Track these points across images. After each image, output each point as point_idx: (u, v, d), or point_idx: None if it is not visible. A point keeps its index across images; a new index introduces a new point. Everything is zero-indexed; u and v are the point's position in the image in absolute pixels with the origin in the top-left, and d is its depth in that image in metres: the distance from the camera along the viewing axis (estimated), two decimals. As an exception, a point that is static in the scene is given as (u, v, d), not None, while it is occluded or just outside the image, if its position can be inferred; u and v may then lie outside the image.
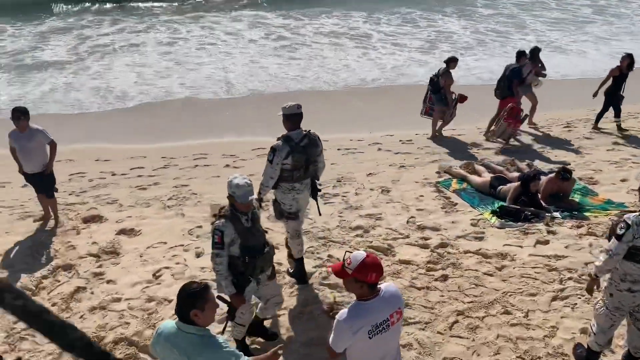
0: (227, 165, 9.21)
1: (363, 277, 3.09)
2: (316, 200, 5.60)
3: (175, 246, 6.44)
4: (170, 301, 5.37)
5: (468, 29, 19.41)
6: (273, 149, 5.10)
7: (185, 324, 2.91)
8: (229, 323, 4.50)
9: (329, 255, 6.12)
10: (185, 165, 9.25)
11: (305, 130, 5.24)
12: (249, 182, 4.17)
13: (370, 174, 8.52)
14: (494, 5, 23.11)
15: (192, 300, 2.86)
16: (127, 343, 4.83)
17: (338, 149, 9.85)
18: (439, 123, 10.41)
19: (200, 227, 6.86)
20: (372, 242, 6.40)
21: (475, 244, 6.37)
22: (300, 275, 5.70)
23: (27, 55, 15.80)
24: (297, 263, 5.68)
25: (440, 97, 10.09)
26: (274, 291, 4.70)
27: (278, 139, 5.18)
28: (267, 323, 5.02)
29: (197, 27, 19.28)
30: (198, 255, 6.25)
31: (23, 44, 16.87)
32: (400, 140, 10.37)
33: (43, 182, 6.86)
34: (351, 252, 3.19)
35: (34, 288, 5.67)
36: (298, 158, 5.12)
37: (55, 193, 7.02)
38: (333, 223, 6.85)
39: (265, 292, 4.63)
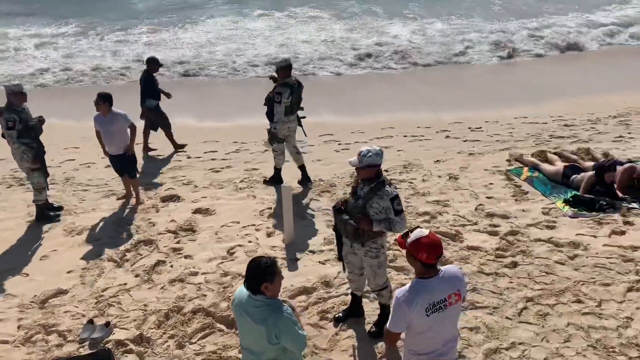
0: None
1: (415, 253, 3.23)
2: (301, 126, 7.42)
3: (248, 225, 6.72)
4: (244, 276, 5.62)
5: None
6: (279, 93, 6.84)
7: (254, 295, 3.17)
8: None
9: (395, 240, 6.18)
10: (255, 150, 9.54)
11: (294, 76, 7.06)
12: (364, 151, 4.25)
13: (437, 160, 8.47)
14: None
15: (263, 274, 3.14)
16: (204, 314, 5.13)
17: (404, 136, 9.85)
18: None
19: (270, 208, 7.11)
20: (439, 227, 6.42)
21: (547, 233, 6.25)
22: (276, 178, 7.60)
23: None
24: (276, 171, 7.66)
25: None
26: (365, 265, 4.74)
27: (276, 86, 6.93)
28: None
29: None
30: (269, 234, 6.50)
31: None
32: (469, 128, 10.22)
33: (125, 163, 7.33)
34: (422, 228, 3.32)
35: (118, 260, 6.11)
36: (296, 96, 6.95)
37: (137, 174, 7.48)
38: (400, 208, 6.89)
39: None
